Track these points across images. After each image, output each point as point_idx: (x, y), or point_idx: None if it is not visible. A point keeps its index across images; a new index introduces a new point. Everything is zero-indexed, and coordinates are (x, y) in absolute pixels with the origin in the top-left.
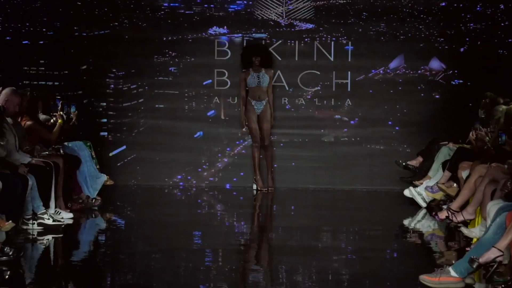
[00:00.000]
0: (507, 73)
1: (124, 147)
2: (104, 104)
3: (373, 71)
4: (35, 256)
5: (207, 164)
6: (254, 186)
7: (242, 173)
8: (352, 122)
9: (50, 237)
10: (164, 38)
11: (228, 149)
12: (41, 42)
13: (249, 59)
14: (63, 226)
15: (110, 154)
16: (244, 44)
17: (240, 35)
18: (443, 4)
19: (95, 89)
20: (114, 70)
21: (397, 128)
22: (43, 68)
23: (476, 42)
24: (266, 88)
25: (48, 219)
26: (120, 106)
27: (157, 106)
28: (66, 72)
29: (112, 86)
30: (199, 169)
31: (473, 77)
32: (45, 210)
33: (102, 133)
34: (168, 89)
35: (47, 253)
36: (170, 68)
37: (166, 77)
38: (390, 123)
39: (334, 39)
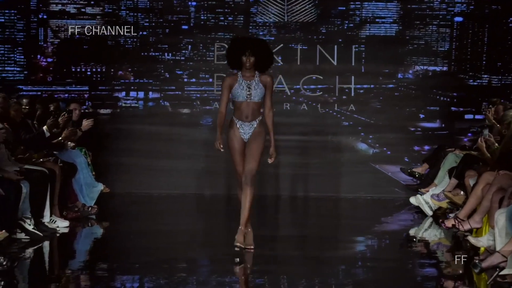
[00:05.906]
0: None
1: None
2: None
3: (380, 78)
4: (29, 266)
5: (206, 171)
6: None
7: None
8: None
9: (47, 245)
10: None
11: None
12: None
13: (237, 59)
14: (58, 234)
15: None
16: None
17: None
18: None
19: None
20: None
21: (402, 134)
22: None
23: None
24: (260, 104)
25: (29, 225)
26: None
27: (154, 112)
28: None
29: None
30: (199, 177)
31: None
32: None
33: None
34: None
35: (41, 262)
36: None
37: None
38: (395, 129)
39: (337, 43)
